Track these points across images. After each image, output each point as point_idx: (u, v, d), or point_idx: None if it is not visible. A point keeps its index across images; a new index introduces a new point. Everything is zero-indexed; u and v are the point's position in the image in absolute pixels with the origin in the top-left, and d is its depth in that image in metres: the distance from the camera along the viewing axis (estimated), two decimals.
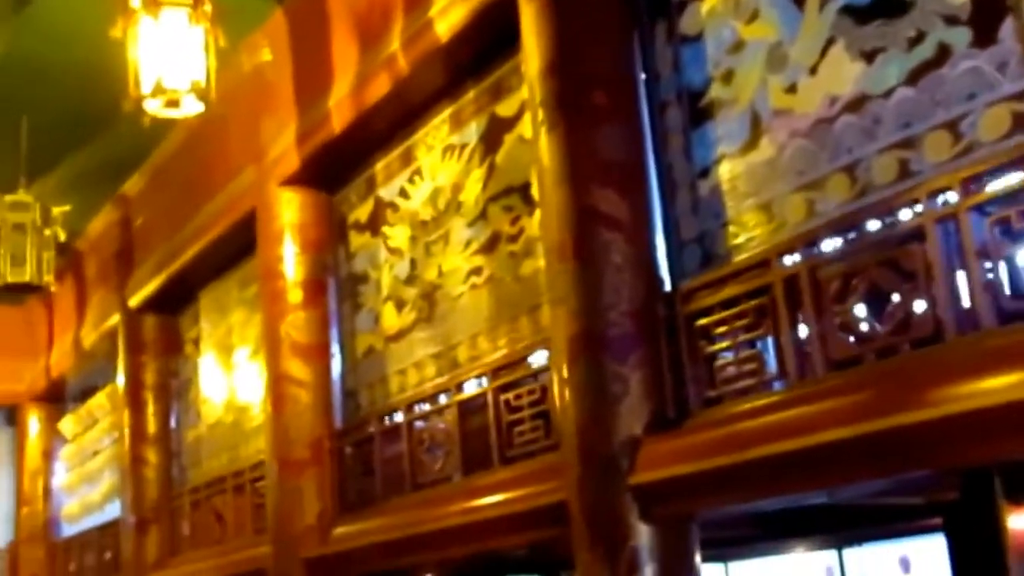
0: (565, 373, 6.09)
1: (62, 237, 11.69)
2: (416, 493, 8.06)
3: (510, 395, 7.20)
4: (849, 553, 9.31)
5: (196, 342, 12.70)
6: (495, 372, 7.39)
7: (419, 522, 7.70)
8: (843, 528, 8.59)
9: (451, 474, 7.73)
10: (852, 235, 5.20)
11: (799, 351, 5.35)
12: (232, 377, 11.68)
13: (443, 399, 7.99)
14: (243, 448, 11.25)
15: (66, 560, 16.08)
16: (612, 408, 5.82)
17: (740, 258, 5.78)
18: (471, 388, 7.71)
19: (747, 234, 5.82)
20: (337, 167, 9.56)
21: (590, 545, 5.81)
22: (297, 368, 9.39)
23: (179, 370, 13.09)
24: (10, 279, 11.22)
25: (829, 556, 9.53)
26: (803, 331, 5.35)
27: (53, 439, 17.49)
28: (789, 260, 5.45)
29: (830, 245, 5.31)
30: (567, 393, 6.07)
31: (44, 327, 17.19)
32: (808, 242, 5.37)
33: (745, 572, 9.89)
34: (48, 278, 11.38)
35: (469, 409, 7.70)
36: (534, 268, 7.36)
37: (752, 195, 5.82)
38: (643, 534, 5.64)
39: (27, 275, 11.17)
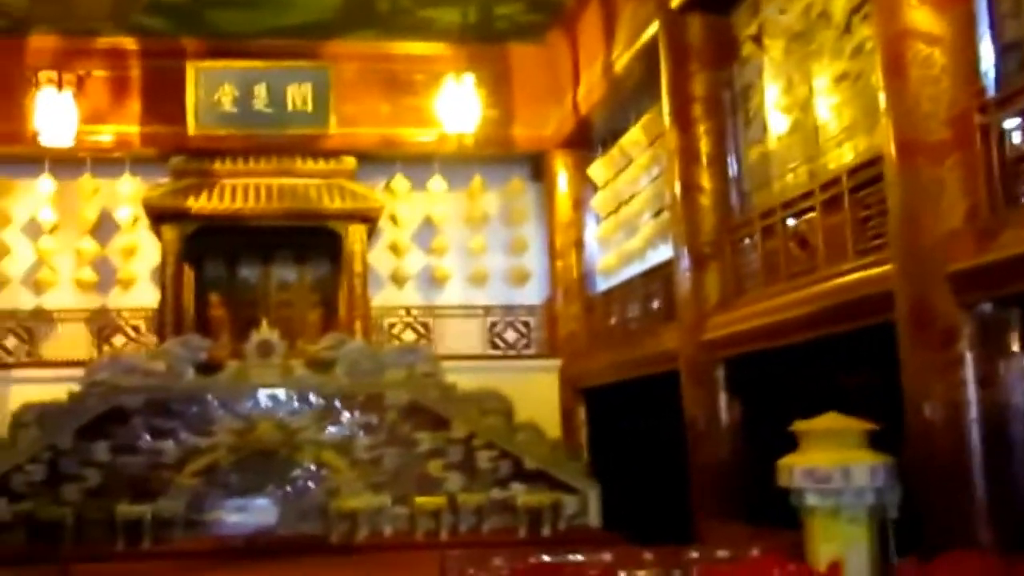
0: None
1: None
2: None
3: None
4: None
5: (757, 39, 10.71)
6: None
7: None
8: None
9: None
10: None
11: None
12: (811, 69, 9.60)
13: None
14: (830, 154, 9.24)
15: (605, 313, 15.24)
16: None
17: None
18: None
19: None
20: None
21: None
22: (925, 19, 7.06)
23: (734, 78, 11.22)
24: None
25: None
26: None
27: (583, 188, 16.63)
28: None
29: None
30: None
31: (568, 62, 16.10)
32: None
33: None
34: None
35: None
36: None
37: None
38: None
39: None
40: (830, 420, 7.28)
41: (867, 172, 8.18)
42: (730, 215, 11.07)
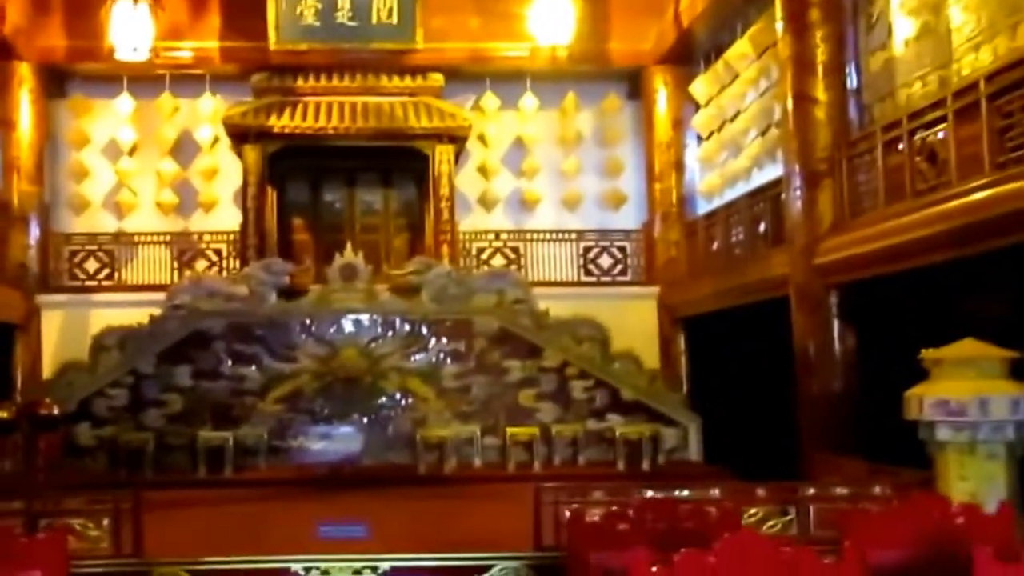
0: None
1: None
2: None
3: None
4: None
5: None
6: None
7: None
8: None
9: None
10: None
11: None
12: None
13: None
14: (964, 59, 8.71)
15: (707, 238, 14.82)
16: None
17: None
18: None
19: None
20: None
21: None
22: None
23: None
24: None
25: None
26: None
27: (683, 106, 16.13)
28: None
29: None
30: None
31: None
32: None
33: None
34: None
35: None
36: None
37: None
38: None
39: None
40: (966, 347, 6.86)
41: (1008, 76, 7.70)
42: (848, 129, 10.59)
